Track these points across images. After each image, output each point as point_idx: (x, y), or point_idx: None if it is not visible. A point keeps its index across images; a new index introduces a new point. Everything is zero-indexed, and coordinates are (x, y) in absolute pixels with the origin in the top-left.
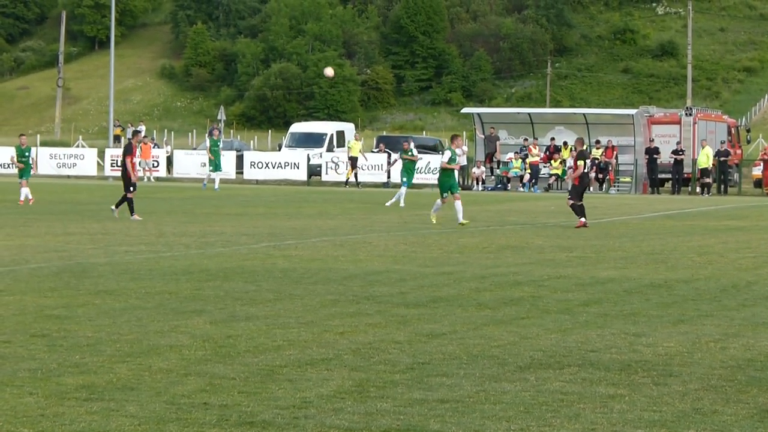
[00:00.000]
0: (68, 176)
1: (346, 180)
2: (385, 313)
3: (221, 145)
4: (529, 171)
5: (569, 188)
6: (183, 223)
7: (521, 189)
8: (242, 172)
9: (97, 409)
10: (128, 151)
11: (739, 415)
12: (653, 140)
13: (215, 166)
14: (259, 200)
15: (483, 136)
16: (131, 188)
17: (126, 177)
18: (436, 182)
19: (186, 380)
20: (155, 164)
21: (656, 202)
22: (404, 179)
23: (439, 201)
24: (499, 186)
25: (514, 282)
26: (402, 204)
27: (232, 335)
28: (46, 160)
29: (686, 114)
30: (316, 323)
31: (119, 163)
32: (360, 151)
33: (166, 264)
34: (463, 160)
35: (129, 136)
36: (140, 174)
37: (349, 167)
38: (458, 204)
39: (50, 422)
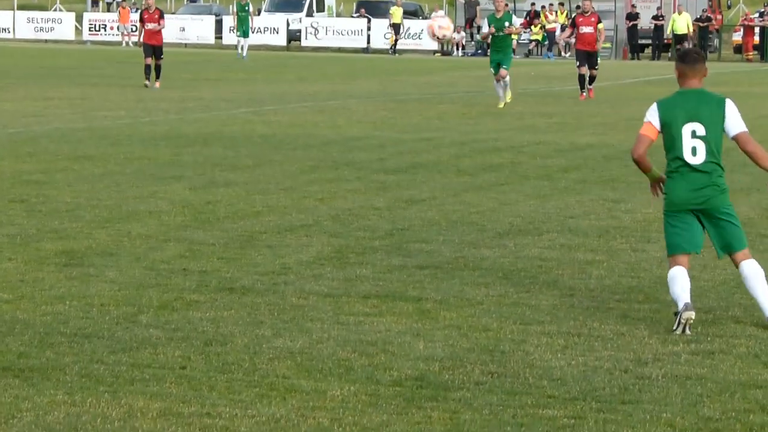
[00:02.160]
0: (45, 41)
1: (391, 47)
2: (365, 180)
3: (249, 10)
4: (541, 37)
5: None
6: (162, 88)
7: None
8: (221, 37)
9: (77, 275)
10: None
11: (716, 281)
12: (634, 6)
13: (243, 32)
14: (238, 65)
15: (463, 1)
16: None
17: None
18: (418, 48)
19: (165, 246)
20: (133, 29)
21: (636, 68)
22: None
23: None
24: (479, 51)
25: (494, 148)
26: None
27: (212, 201)
28: (24, 24)
29: None
30: (295, 189)
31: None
32: (401, 18)
33: (145, 129)
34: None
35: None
36: (119, 39)
37: (392, 34)
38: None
39: (30, 287)
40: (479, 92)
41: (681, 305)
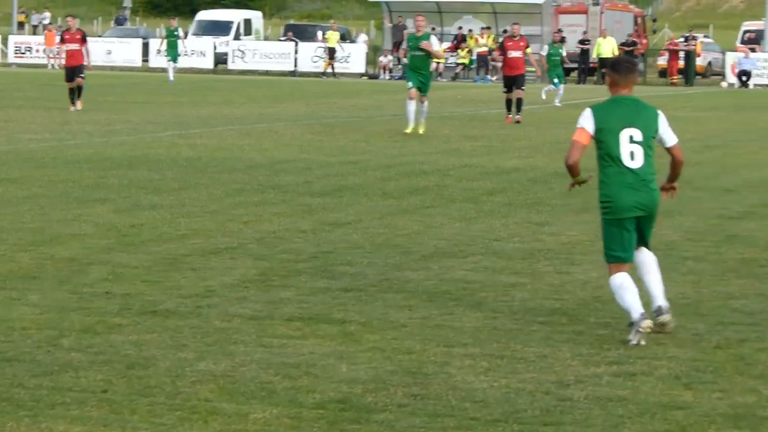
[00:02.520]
0: None
1: (323, 71)
2: (290, 202)
3: (179, 35)
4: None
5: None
6: (88, 111)
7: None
8: (148, 60)
9: None
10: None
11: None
12: (561, 30)
13: (173, 56)
14: (165, 88)
15: (390, 25)
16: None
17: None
18: (345, 71)
19: (89, 269)
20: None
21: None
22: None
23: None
24: (405, 75)
25: (420, 171)
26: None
27: (136, 224)
28: None
29: (593, 4)
30: (220, 212)
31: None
32: (338, 42)
33: (69, 152)
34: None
35: (34, 23)
36: (45, 61)
37: (327, 58)
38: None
39: None
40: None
41: (637, 315)
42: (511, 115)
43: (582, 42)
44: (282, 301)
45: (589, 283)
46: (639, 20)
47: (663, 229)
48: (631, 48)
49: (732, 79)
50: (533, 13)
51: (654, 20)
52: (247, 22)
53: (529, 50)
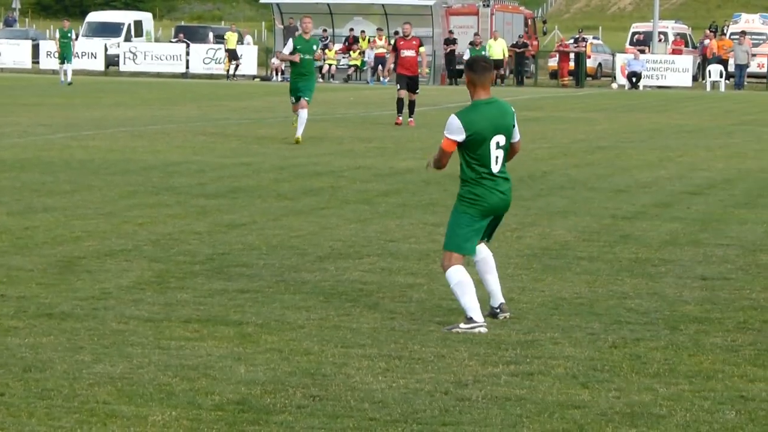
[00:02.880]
0: None
1: (227, 73)
2: (185, 204)
3: (72, 36)
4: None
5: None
6: None
7: (320, 80)
8: (38, 62)
9: None
10: None
11: (535, 303)
12: (452, 31)
13: (65, 58)
14: (56, 90)
15: (282, 27)
16: None
17: None
18: (238, 72)
19: None
20: None
21: (454, 93)
22: None
23: None
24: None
25: (314, 173)
26: None
27: (30, 227)
28: None
29: (484, 5)
30: (115, 214)
31: None
32: (237, 43)
33: None
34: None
35: None
36: None
37: (226, 59)
38: None
39: None
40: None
41: (479, 320)
42: (401, 117)
43: (472, 44)
44: (179, 302)
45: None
46: (529, 22)
47: (557, 230)
48: (522, 49)
49: (622, 80)
50: (424, 15)
51: (544, 22)
52: (138, 24)
53: (422, 49)
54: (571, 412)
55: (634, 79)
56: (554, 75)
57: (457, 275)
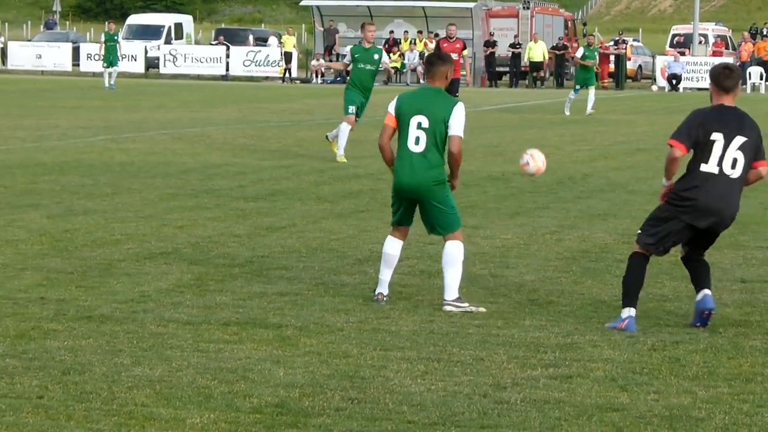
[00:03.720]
0: None
1: (283, 76)
2: (224, 207)
3: (118, 39)
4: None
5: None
6: (17, 116)
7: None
8: (78, 65)
9: None
10: None
11: (574, 305)
12: (492, 34)
13: (111, 61)
14: (96, 93)
15: (322, 29)
16: None
17: None
18: (273, 74)
19: (22, 275)
20: None
21: (494, 95)
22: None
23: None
24: (338, 79)
25: (354, 175)
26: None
27: (69, 229)
28: None
29: (524, 7)
30: (154, 217)
31: None
32: (294, 46)
33: (0, 158)
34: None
35: None
36: None
37: (283, 62)
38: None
39: None
40: (338, 120)
41: (377, 291)
42: None
43: (513, 46)
44: (218, 305)
45: (524, 286)
46: (569, 24)
47: (596, 232)
48: (562, 51)
49: (662, 82)
50: (464, 17)
51: (584, 24)
52: (178, 26)
53: (465, 52)
54: (609, 415)
55: (674, 81)
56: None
57: (386, 245)
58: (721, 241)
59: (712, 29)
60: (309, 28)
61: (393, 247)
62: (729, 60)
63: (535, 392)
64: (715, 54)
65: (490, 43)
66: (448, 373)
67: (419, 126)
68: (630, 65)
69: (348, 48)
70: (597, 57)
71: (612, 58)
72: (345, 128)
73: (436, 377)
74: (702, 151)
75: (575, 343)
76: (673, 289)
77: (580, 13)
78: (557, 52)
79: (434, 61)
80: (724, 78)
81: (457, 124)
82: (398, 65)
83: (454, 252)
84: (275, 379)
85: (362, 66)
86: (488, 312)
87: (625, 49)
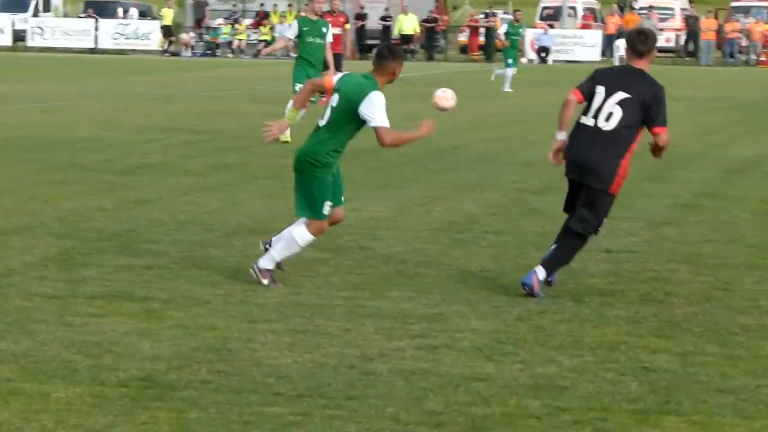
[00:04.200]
0: None
1: (162, 49)
2: (92, 181)
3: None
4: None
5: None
6: None
7: (230, 55)
8: None
9: None
10: None
11: (441, 277)
12: (363, 6)
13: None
14: None
15: (192, 2)
16: None
17: None
18: (146, 48)
19: None
20: None
21: (363, 68)
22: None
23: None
24: (208, 52)
25: (223, 148)
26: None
27: None
28: None
29: None
30: (20, 191)
31: None
32: (172, 19)
33: None
34: None
35: None
36: None
37: (162, 35)
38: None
39: None
40: (208, 93)
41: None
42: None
43: (383, 18)
44: (84, 279)
45: (392, 258)
46: None
47: (465, 203)
48: (432, 24)
49: (531, 55)
50: None
51: None
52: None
53: (347, 26)
54: (475, 385)
55: (543, 54)
56: (464, 50)
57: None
58: None
59: (581, 2)
60: (179, 1)
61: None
62: (597, 33)
63: (401, 363)
64: (584, 27)
65: (361, 16)
66: (314, 344)
67: (331, 102)
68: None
69: (290, 24)
70: (522, 33)
71: (482, 31)
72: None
73: (302, 349)
74: (588, 103)
75: (442, 314)
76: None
77: None
78: (427, 25)
79: (386, 55)
80: (638, 42)
81: (371, 115)
82: (269, 38)
83: (296, 232)
84: (141, 353)
85: (311, 39)
86: (356, 283)
87: (495, 21)
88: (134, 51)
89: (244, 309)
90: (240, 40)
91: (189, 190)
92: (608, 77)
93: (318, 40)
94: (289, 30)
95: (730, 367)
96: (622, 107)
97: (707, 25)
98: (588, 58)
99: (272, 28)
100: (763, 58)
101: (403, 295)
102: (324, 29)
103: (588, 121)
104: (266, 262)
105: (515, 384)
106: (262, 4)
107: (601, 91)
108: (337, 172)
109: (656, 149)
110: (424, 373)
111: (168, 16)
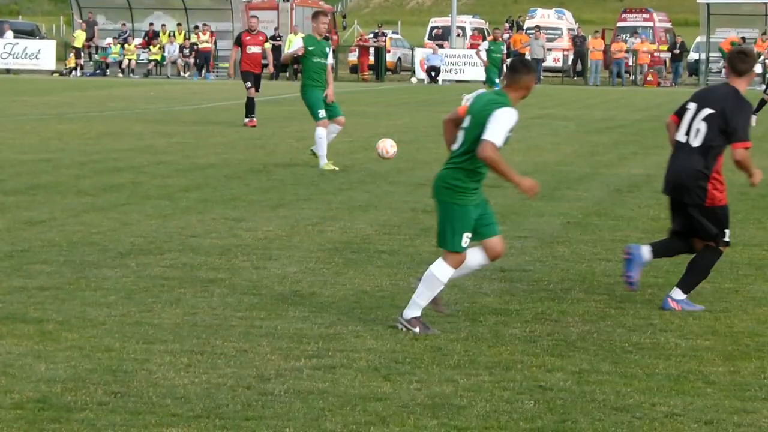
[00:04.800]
0: None
1: (71, 69)
2: None
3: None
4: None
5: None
6: None
7: (120, 75)
8: None
9: None
10: None
11: (337, 296)
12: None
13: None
14: None
15: (81, 21)
16: None
17: None
18: (36, 68)
19: None
20: None
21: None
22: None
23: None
24: (97, 72)
25: (114, 168)
26: None
27: None
28: None
29: (284, 0)
30: None
31: None
32: (84, 41)
33: None
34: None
35: None
36: None
37: (73, 56)
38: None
39: None
40: (99, 113)
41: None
42: (254, 118)
43: (273, 38)
44: None
45: (287, 278)
46: (329, 16)
47: (358, 224)
48: None
49: (421, 74)
50: (224, 9)
51: (344, 16)
52: None
53: (267, 45)
54: (373, 405)
55: (433, 74)
56: (354, 69)
57: None
58: None
59: (469, 22)
60: (67, 21)
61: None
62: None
63: (298, 383)
64: (473, 46)
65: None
66: (211, 365)
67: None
68: (390, 58)
69: (296, 37)
70: (503, 50)
71: (372, 50)
72: (322, 133)
73: (199, 370)
74: (680, 120)
75: (338, 334)
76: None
77: (340, 5)
78: None
79: (519, 68)
80: (738, 61)
81: (489, 127)
82: (158, 58)
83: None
84: (37, 374)
85: (317, 60)
86: (251, 304)
87: (385, 41)
88: (22, 70)
89: (139, 330)
90: (129, 59)
91: (81, 210)
92: (702, 94)
93: (322, 60)
94: (295, 46)
95: (624, 385)
96: (707, 123)
97: (594, 45)
98: (477, 78)
99: (162, 48)
100: (650, 78)
101: (299, 315)
102: (327, 49)
103: (681, 137)
104: (412, 311)
105: (412, 403)
106: (151, 24)
107: (692, 107)
108: (483, 201)
109: (736, 164)
110: (321, 393)
111: (80, 38)
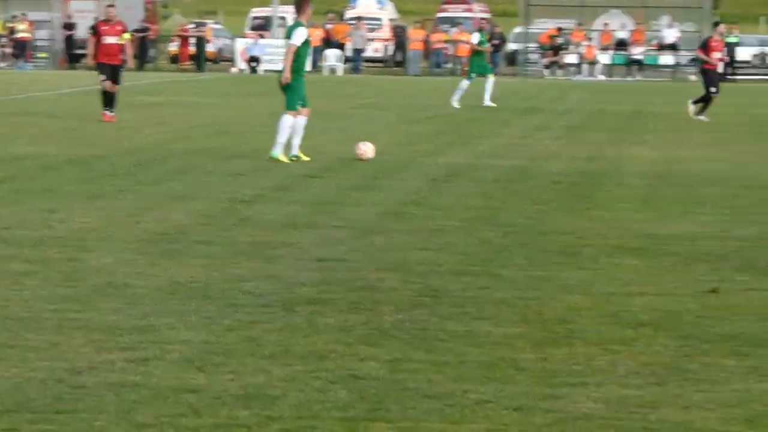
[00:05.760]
0: None
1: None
2: None
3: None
4: None
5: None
6: None
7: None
8: None
9: None
10: None
11: (151, 287)
12: (71, 16)
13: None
14: None
15: None
16: None
17: None
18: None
19: None
20: None
21: (74, 78)
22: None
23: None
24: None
25: None
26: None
27: None
28: None
29: None
30: None
31: None
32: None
33: None
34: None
35: None
36: None
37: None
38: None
39: None
40: None
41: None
42: (111, 112)
43: (137, 30)
44: None
45: (102, 270)
46: (149, 6)
47: (174, 214)
48: (143, 34)
49: (242, 64)
50: None
51: (165, 6)
52: None
53: (126, 36)
54: (186, 396)
55: (253, 64)
56: (175, 59)
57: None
58: (299, 221)
59: (290, 12)
60: None
61: None
62: None
63: (111, 376)
64: None
65: (69, 26)
66: (22, 359)
67: None
68: (210, 48)
69: (299, 28)
70: (488, 43)
71: (192, 40)
72: (302, 122)
73: (9, 363)
74: None
75: (152, 326)
76: (249, 269)
77: None
78: (139, 34)
79: None
80: None
81: None
82: None
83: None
84: None
85: (306, 48)
86: (65, 296)
87: (205, 31)
88: None
89: None
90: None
91: None
92: None
93: (306, 48)
94: (296, 37)
95: (437, 373)
96: None
97: (415, 36)
98: None
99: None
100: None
101: (113, 307)
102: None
103: None
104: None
105: (226, 395)
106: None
107: None
108: None
109: None
110: (134, 386)
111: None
